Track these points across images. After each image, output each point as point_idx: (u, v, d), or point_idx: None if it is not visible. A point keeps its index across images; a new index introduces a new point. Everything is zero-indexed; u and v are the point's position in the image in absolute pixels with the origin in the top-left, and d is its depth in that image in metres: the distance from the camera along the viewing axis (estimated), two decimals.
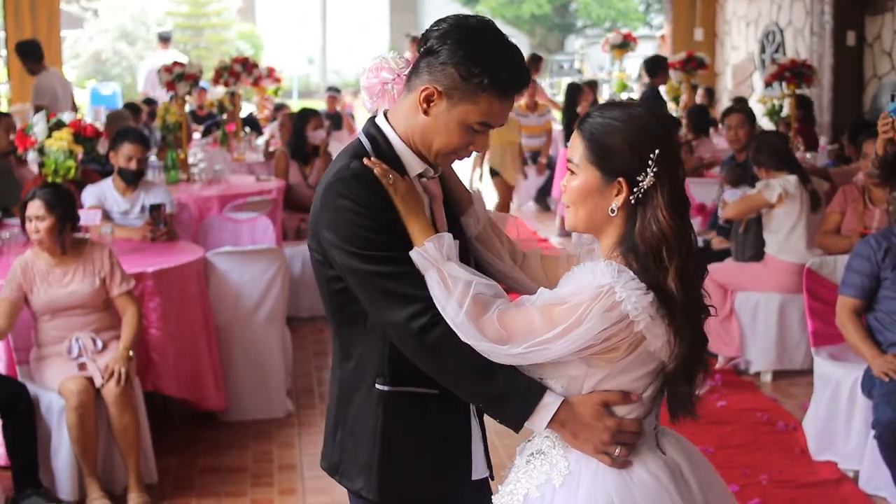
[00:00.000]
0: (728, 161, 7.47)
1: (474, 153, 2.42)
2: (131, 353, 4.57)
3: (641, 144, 2.10)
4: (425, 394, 2.30)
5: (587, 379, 2.15)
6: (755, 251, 6.32)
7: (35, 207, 4.59)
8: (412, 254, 2.18)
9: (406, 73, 2.31)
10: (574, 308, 2.05)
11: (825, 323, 4.96)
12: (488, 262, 2.43)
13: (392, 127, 2.31)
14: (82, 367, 4.55)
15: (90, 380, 4.49)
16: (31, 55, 10.03)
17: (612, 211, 2.13)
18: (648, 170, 2.09)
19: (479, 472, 2.38)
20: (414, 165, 2.31)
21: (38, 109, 9.14)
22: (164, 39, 15.81)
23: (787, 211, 6.06)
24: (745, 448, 5.09)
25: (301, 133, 8.15)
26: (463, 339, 2.11)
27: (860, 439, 4.65)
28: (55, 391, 4.50)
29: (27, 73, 10.24)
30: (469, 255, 2.39)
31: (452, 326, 2.12)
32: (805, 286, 5.11)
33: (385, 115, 2.34)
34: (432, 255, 2.16)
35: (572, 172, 2.18)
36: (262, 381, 5.57)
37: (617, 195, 2.12)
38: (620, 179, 2.11)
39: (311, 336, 7.15)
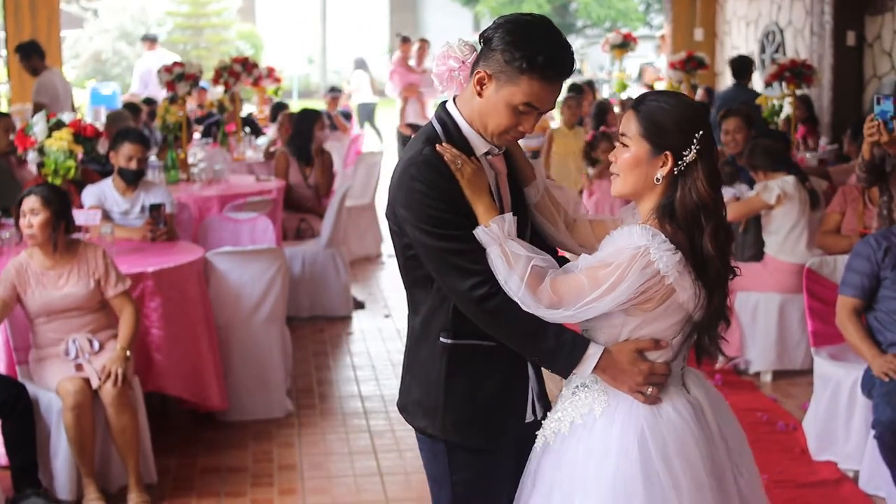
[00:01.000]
0: (729, 161, 7.45)
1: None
2: (128, 353, 4.55)
3: (688, 125, 2.47)
4: (484, 346, 2.61)
5: (625, 326, 2.50)
6: (755, 251, 6.32)
7: (30, 202, 4.59)
8: (477, 231, 2.49)
9: (471, 60, 2.56)
10: (616, 268, 2.42)
11: (825, 323, 4.96)
12: (545, 228, 2.75)
13: (459, 111, 2.60)
14: (79, 367, 4.54)
15: (87, 380, 4.49)
16: (35, 54, 10.04)
17: (658, 180, 2.50)
18: (692, 147, 2.46)
19: (531, 415, 2.69)
20: (479, 145, 2.59)
21: (38, 107, 9.17)
22: (151, 40, 15.82)
23: (786, 212, 6.06)
24: None
25: (308, 133, 8.14)
26: (524, 308, 2.45)
27: (860, 439, 4.65)
28: (54, 392, 4.50)
29: (30, 74, 10.24)
30: (527, 222, 2.69)
31: (514, 298, 2.45)
32: (805, 286, 5.11)
33: (454, 100, 2.62)
34: (496, 234, 2.48)
35: (624, 145, 2.53)
36: (262, 381, 5.57)
37: (662, 166, 2.49)
38: (667, 153, 2.48)
39: (311, 336, 7.15)
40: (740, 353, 6.27)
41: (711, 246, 2.46)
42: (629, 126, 2.53)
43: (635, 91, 14.17)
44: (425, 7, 31.71)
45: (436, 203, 2.50)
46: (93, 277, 4.64)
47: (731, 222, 6.41)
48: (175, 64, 8.09)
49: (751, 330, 6.24)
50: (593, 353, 2.51)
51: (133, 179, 5.98)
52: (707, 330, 2.55)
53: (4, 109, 9.92)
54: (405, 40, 13.66)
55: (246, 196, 7.16)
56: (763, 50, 12.76)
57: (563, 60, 2.49)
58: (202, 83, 10.81)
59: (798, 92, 8.62)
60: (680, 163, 2.47)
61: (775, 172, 6.11)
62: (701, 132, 2.47)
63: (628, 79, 13.70)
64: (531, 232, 2.70)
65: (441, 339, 2.63)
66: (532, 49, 2.45)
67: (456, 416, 2.65)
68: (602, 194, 8.14)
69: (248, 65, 10.24)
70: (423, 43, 13.66)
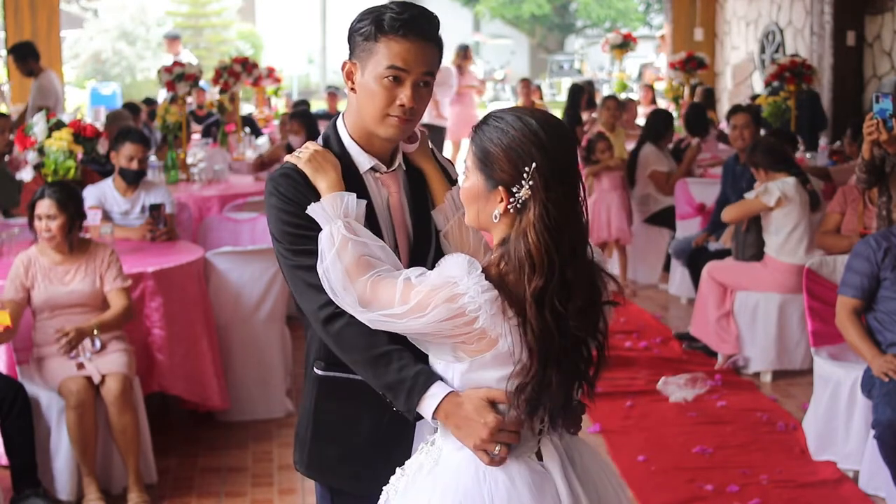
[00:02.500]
0: (731, 161, 7.46)
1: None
2: (96, 332, 4.54)
3: (518, 155, 2.10)
4: (356, 380, 2.37)
5: (454, 368, 2.19)
6: (755, 251, 6.31)
7: (46, 206, 4.61)
8: (311, 208, 2.28)
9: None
10: (423, 293, 2.10)
11: (825, 323, 4.96)
12: None
13: (345, 125, 2.45)
14: (80, 366, 4.55)
15: (89, 379, 4.49)
16: (31, 55, 10.00)
17: (496, 217, 2.15)
18: (524, 181, 2.09)
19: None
20: (362, 161, 2.42)
21: (39, 110, 9.15)
22: (173, 38, 15.68)
23: (786, 213, 6.06)
24: (745, 448, 5.09)
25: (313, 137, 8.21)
26: (335, 299, 2.21)
27: (860, 439, 4.65)
28: (54, 390, 4.50)
29: (24, 75, 10.17)
30: (430, 248, 2.45)
31: (323, 275, 2.21)
32: (805, 286, 5.11)
33: (343, 116, 2.47)
34: (329, 212, 2.25)
35: (465, 174, 2.22)
36: (262, 381, 5.57)
37: (500, 202, 2.14)
38: (500, 188, 2.13)
39: None
40: (738, 350, 6.27)
41: (530, 307, 2.07)
42: (468, 153, 2.21)
43: (635, 91, 14.20)
44: (425, 7, 31.69)
45: (289, 217, 2.32)
46: (97, 273, 4.67)
47: (727, 222, 6.45)
48: (175, 64, 8.10)
49: (751, 330, 6.24)
50: (435, 394, 2.18)
51: (134, 179, 5.99)
52: (554, 394, 2.13)
53: (4, 110, 9.90)
54: None
55: (246, 196, 7.16)
56: (763, 50, 12.77)
57: (410, 16, 2.30)
58: (202, 83, 10.81)
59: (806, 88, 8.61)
60: (513, 200, 2.11)
61: (776, 172, 6.11)
62: (534, 164, 2.08)
63: (628, 79, 13.72)
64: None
65: (315, 368, 2.45)
66: (377, 13, 2.31)
67: (321, 452, 2.47)
68: (600, 193, 8.14)
69: (248, 65, 10.24)
70: None
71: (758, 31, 12.97)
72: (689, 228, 7.95)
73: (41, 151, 5.51)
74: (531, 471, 2.18)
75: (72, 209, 4.65)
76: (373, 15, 2.32)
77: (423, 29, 2.32)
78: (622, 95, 12.11)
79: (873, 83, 10.25)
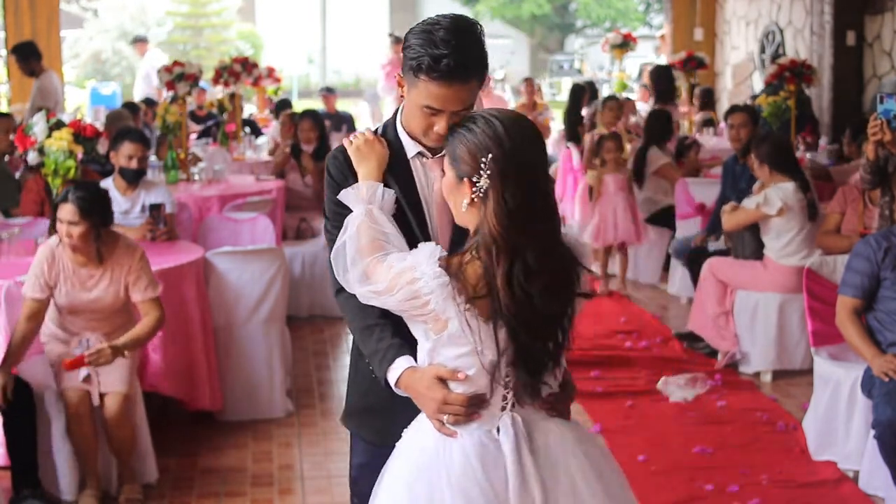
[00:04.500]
0: (730, 161, 7.45)
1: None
2: (127, 354, 4.41)
3: (478, 148, 2.35)
4: None
5: (424, 345, 2.43)
6: (754, 249, 6.30)
7: (68, 212, 4.38)
8: (343, 192, 2.54)
9: (392, 58, 2.65)
10: (394, 275, 2.36)
11: (825, 323, 4.95)
12: None
13: (401, 116, 2.66)
14: (87, 379, 4.43)
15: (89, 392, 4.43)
16: (33, 56, 10.03)
17: (464, 207, 2.40)
18: (482, 172, 2.33)
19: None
20: (409, 147, 2.63)
21: (40, 111, 9.17)
22: (142, 41, 15.77)
23: (787, 220, 6.05)
24: (745, 448, 5.09)
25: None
26: (337, 263, 2.46)
27: (860, 439, 4.65)
28: (52, 385, 4.48)
29: (26, 75, 10.21)
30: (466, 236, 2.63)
31: (338, 250, 2.46)
32: (805, 286, 5.11)
33: (403, 105, 2.68)
34: (359, 197, 2.51)
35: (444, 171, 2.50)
36: (261, 381, 5.57)
37: (466, 193, 2.38)
38: (465, 179, 2.38)
39: (310, 336, 7.16)
40: (736, 345, 6.26)
41: (502, 288, 2.29)
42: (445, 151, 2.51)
43: (635, 91, 14.19)
44: (425, 7, 31.67)
45: (332, 195, 2.61)
46: (123, 282, 4.49)
47: (727, 231, 6.42)
48: (175, 63, 8.09)
49: (750, 330, 6.24)
50: (396, 368, 2.48)
51: (134, 179, 5.99)
52: (523, 371, 2.38)
53: (4, 110, 9.91)
54: (398, 40, 13.68)
55: (246, 196, 7.16)
56: (763, 50, 12.76)
57: (447, 63, 2.43)
58: (202, 83, 10.80)
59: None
60: (475, 190, 2.35)
61: (780, 173, 6.09)
62: (490, 155, 2.33)
63: (628, 79, 13.71)
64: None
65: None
66: (420, 52, 2.46)
67: (354, 404, 2.78)
68: (605, 196, 8.13)
69: (248, 65, 10.25)
70: None
71: (758, 31, 12.96)
72: (689, 228, 7.95)
73: (41, 151, 5.51)
74: (484, 444, 2.39)
75: (97, 216, 4.41)
76: (417, 48, 2.47)
77: (459, 76, 2.47)
78: (622, 95, 12.12)
79: (873, 83, 10.25)
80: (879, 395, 4.29)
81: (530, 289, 2.31)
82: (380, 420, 2.66)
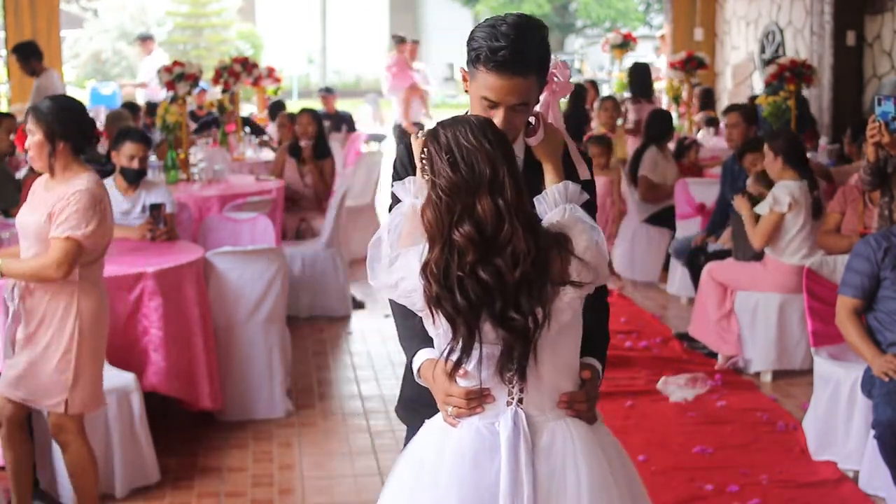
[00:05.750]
0: (729, 161, 7.45)
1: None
2: (3, 270, 3.91)
3: (424, 147, 2.42)
4: None
5: (435, 338, 2.49)
6: (757, 251, 6.30)
7: (28, 119, 4.01)
8: (395, 184, 2.57)
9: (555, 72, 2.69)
10: (396, 270, 2.44)
11: (825, 323, 4.96)
12: None
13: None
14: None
15: (19, 404, 4.06)
16: (34, 55, 10.07)
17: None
18: (425, 165, 2.41)
19: None
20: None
21: None
22: (146, 38, 15.74)
23: (793, 215, 6.05)
24: (745, 448, 5.09)
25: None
26: (369, 253, 2.49)
27: (860, 439, 4.65)
28: None
29: (27, 75, 10.26)
30: None
31: (380, 236, 2.49)
32: (805, 286, 5.11)
33: None
34: (408, 190, 2.52)
35: None
36: (262, 381, 5.57)
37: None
38: (425, 177, 2.42)
39: (310, 336, 7.16)
40: (739, 351, 6.27)
41: (429, 274, 2.36)
42: None
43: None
44: (425, 7, 31.69)
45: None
46: (49, 210, 3.90)
47: (759, 249, 6.35)
48: (175, 63, 8.09)
49: (751, 330, 6.24)
50: (418, 358, 2.60)
51: (135, 179, 5.99)
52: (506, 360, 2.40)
53: (4, 109, 9.92)
54: (402, 41, 13.70)
55: (246, 196, 7.16)
56: (763, 50, 12.76)
57: (503, 53, 2.51)
58: (202, 83, 10.80)
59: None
60: (427, 181, 2.42)
61: (792, 168, 6.08)
62: (425, 150, 2.41)
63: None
64: None
65: None
66: (481, 44, 2.54)
67: (406, 396, 2.83)
68: (599, 189, 8.15)
69: (248, 65, 10.24)
70: (415, 44, 13.76)
71: (758, 31, 12.96)
72: (688, 228, 7.95)
73: None
74: (482, 436, 2.44)
75: (52, 126, 3.93)
76: (479, 39, 2.55)
77: (514, 67, 2.53)
78: (622, 95, 12.12)
79: (873, 83, 10.25)
80: (879, 395, 4.29)
81: (453, 277, 2.34)
82: (429, 412, 2.68)
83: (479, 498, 2.40)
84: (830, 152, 8.79)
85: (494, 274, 2.33)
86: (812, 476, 4.77)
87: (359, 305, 7.88)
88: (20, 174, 6.86)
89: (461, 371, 2.43)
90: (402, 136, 13.01)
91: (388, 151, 13.49)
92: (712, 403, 5.69)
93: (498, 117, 2.56)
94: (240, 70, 10.08)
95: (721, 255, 6.80)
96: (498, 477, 2.40)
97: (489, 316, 2.36)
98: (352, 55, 29.99)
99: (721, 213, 7.22)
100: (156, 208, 5.86)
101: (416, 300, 2.42)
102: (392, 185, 2.61)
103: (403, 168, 2.70)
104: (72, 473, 4.17)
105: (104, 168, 6.77)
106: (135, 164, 5.94)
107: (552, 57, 2.65)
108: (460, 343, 2.38)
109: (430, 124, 14.36)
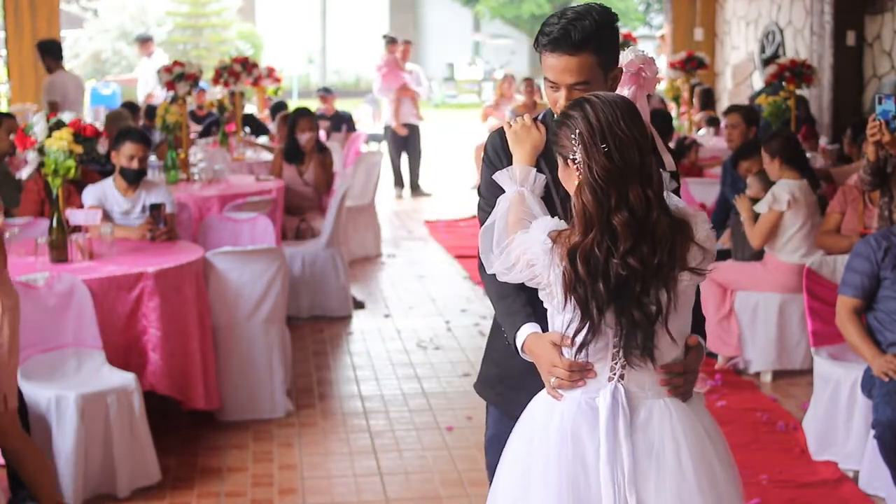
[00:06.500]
0: (730, 161, 7.45)
1: None
2: None
3: (570, 128, 2.45)
4: None
5: (549, 312, 2.56)
6: (755, 250, 6.30)
7: None
8: (497, 173, 2.66)
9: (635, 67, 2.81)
10: (516, 246, 2.51)
11: (825, 323, 4.96)
12: None
13: None
14: None
15: None
16: (48, 53, 10.23)
17: (572, 188, 2.49)
18: (575, 149, 2.43)
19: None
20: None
21: (50, 106, 9.37)
22: (146, 40, 15.75)
23: (792, 214, 6.04)
24: (745, 448, 5.09)
25: (291, 135, 8.24)
26: (481, 240, 2.60)
27: (860, 439, 4.66)
28: (53, 390, 4.46)
29: (46, 71, 10.43)
30: None
31: (489, 226, 2.60)
32: (805, 286, 5.11)
33: None
34: (513, 178, 2.63)
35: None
36: (262, 381, 5.57)
37: (571, 172, 2.49)
38: (568, 161, 2.48)
39: (310, 336, 7.15)
40: (739, 352, 6.27)
41: (580, 257, 2.40)
42: None
43: None
44: (425, 7, 31.68)
45: (487, 174, 2.76)
46: None
47: (758, 248, 6.35)
48: (175, 63, 8.09)
49: (751, 330, 6.24)
50: (522, 333, 2.65)
51: (135, 179, 5.98)
52: (634, 343, 2.47)
53: (5, 109, 9.93)
54: (392, 41, 13.69)
55: (246, 196, 7.16)
56: (763, 50, 12.76)
57: (555, 33, 2.62)
58: (202, 83, 10.80)
59: (797, 92, 8.62)
60: (575, 165, 2.46)
61: (791, 168, 6.08)
62: (577, 131, 2.44)
63: None
64: None
65: None
66: (540, 29, 2.67)
67: (486, 373, 2.94)
68: None
69: (248, 65, 10.24)
70: (408, 45, 13.76)
71: (758, 31, 12.96)
72: None
73: (41, 151, 5.50)
74: (583, 410, 2.50)
75: None
76: (543, 26, 2.67)
77: (568, 45, 2.62)
78: None
79: (873, 83, 10.25)
80: (879, 395, 4.29)
81: (610, 259, 2.39)
82: (510, 390, 2.80)
83: (583, 472, 2.47)
84: (830, 152, 8.79)
85: (640, 260, 2.40)
86: (812, 476, 4.77)
87: (359, 305, 7.88)
88: (20, 174, 6.86)
89: (568, 342, 2.48)
90: (393, 136, 13.21)
91: (387, 151, 13.48)
92: (712, 403, 5.69)
93: (561, 98, 2.64)
94: (240, 70, 10.08)
95: (721, 255, 6.80)
96: (598, 451, 2.47)
97: (621, 301, 2.42)
98: (352, 55, 29.99)
99: (721, 214, 7.22)
100: (156, 208, 5.86)
101: (537, 271, 2.46)
102: (492, 175, 2.69)
103: (497, 156, 2.77)
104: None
105: (104, 168, 6.77)
106: (135, 165, 5.94)
107: (637, 51, 2.78)
108: (587, 325, 2.44)
109: (421, 126, 14.35)
